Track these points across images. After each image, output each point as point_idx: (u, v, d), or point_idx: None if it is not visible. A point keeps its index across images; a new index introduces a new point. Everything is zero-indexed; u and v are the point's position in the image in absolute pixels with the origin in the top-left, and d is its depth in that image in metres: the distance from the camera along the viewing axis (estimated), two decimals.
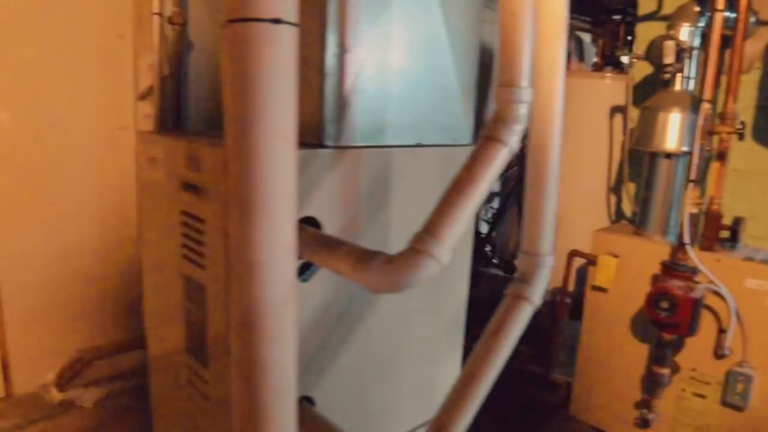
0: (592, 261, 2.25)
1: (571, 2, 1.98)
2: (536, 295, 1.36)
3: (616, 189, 2.80)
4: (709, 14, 1.98)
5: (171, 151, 1.35)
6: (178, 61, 1.58)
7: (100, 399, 2.49)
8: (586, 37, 3.46)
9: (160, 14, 1.54)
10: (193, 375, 1.40)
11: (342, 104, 1.34)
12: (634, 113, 2.28)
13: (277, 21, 0.92)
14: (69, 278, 2.64)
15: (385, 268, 1.08)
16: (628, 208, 2.66)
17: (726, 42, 1.93)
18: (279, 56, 0.94)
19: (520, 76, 1.17)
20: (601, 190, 2.91)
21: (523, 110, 1.18)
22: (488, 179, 1.13)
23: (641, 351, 2.17)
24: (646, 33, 2.38)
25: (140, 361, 2.62)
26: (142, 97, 1.83)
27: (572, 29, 3.29)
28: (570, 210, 2.91)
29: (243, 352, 1.04)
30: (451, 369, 1.91)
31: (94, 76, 2.58)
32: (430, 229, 1.08)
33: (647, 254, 2.11)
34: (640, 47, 2.37)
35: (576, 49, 3.37)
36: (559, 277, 2.92)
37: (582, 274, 2.56)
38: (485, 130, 1.18)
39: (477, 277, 3.32)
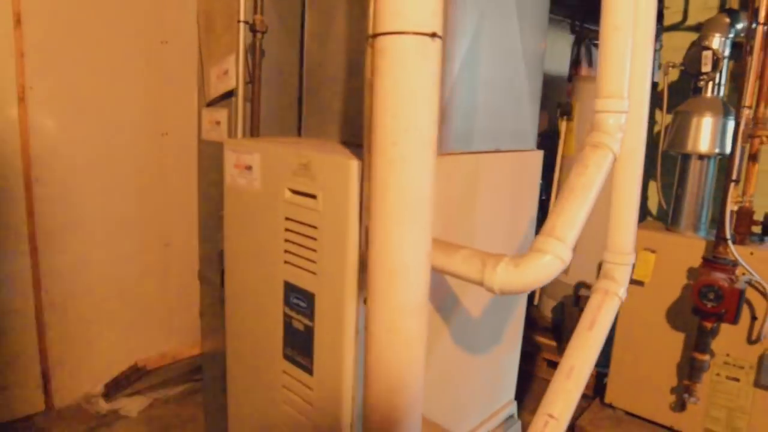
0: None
1: (585, 11, 2.03)
2: (622, 290, 1.45)
3: None
4: (740, 25, 2.12)
5: (273, 158, 1.38)
6: (258, 68, 1.60)
7: (145, 408, 2.49)
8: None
9: (245, 22, 1.56)
10: (293, 381, 1.43)
11: (441, 113, 1.40)
12: (661, 117, 2.42)
13: (434, 35, 0.98)
14: (109, 288, 2.62)
15: (513, 270, 1.15)
16: (653, 206, 2.80)
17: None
18: (433, 69, 1.00)
19: (622, 88, 1.26)
20: (605, 195, 3.04)
21: (624, 119, 1.27)
22: (600, 183, 1.21)
23: (677, 339, 2.30)
24: (671, 42, 2.52)
25: (184, 369, 2.62)
26: (211, 103, 1.84)
27: (584, 37, 3.43)
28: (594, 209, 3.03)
29: (383, 355, 1.09)
30: (512, 364, 1.99)
31: (138, 82, 2.59)
32: (552, 232, 1.15)
33: (682, 249, 2.24)
34: (667, 55, 2.51)
35: (586, 56, 3.51)
36: (586, 271, 3.05)
37: None
38: (592, 138, 1.26)
39: None
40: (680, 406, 2.31)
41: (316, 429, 1.39)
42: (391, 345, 1.09)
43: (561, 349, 3.18)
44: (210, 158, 1.96)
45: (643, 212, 2.87)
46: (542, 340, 3.43)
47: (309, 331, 1.36)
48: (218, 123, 1.85)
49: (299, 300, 1.38)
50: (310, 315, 1.35)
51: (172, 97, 2.73)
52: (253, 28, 1.58)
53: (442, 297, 1.53)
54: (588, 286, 3.19)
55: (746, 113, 1.88)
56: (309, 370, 1.38)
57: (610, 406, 2.54)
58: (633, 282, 2.38)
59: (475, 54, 1.46)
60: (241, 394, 1.67)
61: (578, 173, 1.22)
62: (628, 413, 2.50)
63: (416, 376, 1.12)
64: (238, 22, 1.57)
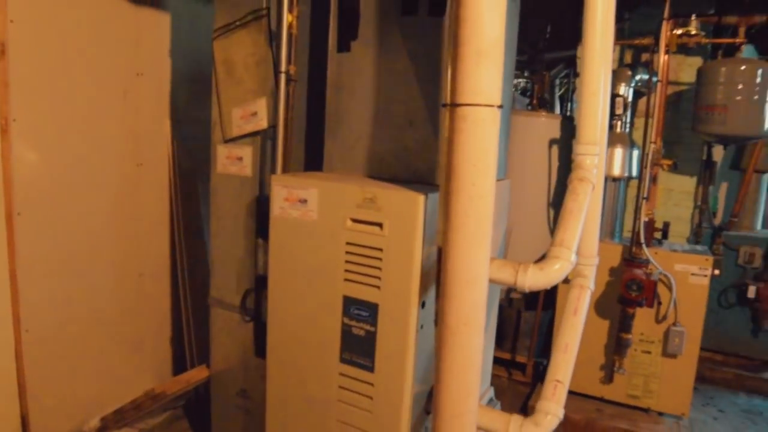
0: None
1: (516, 59, 2.60)
2: (591, 284, 1.93)
3: (555, 205, 3.54)
4: (638, 76, 2.78)
5: (333, 192, 1.66)
6: (292, 111, 1.86)
7: None
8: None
9: (285, 72, 1.81)
10: (351, 380, 1.70)
11: None
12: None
13: (500, 107, 1.36)
14: (89, 321, 2.60)
15: (539, 272, 1.55)
16: None
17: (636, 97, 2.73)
18: (498, 129, 1.37)
19: (596, 138, 1.73)
20: (543, 206, 3.64)
21: (597, 160, 1.74)
22: (587, 206, 1.66)
23: (603, 326, 2.88)
24: None
25: (167, 397, 2.68)
26: (228, 141, 2.04)
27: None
28: (519, 222, 3.60)
29: (459, 344, 1.43)
30: (491, 354, 2.40)
31: (115, 113, 2.64)
32: (562, 243, 1.57)
33: (604, 253, 2.81)
34: None
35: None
36: None
37: None
38: (577, 173, 1.71)
39: None
40: (608, 378, 2.89)
41: (377, 419, 1.67)
42: (465, 335, 1.42)
43: (500, 345, 3.66)
44: (227, 190, 2.14)
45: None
46: None
47: (371, 335, 1.64)
48: (240, 158, 2.05)
49: (360, 310, 1.65)
50: (373, 322, 1.63)
51: (146, 129, 2.81)
52: (288, 77, 1.84)
53: None
54: (516, 291, 3.73)
55: (652, 147, 2.50)
56: (370, 368, 1.66)
57: None
58: (565, 281, 2.93)
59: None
60: (286, 402, 1.87)
61: (572, 200, 1.65)
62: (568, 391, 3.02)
63: (479, 357, 1.47)
64: (279, 72, 1.81)
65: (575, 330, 1.82)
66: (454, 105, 1.35)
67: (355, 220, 1.63)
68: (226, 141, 2.08)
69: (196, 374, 2.29)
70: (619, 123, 2.77)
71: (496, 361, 3.44)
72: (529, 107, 3.72)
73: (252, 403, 2.19)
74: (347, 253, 1.65)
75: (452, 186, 1.37)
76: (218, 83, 2.06)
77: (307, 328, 1.78)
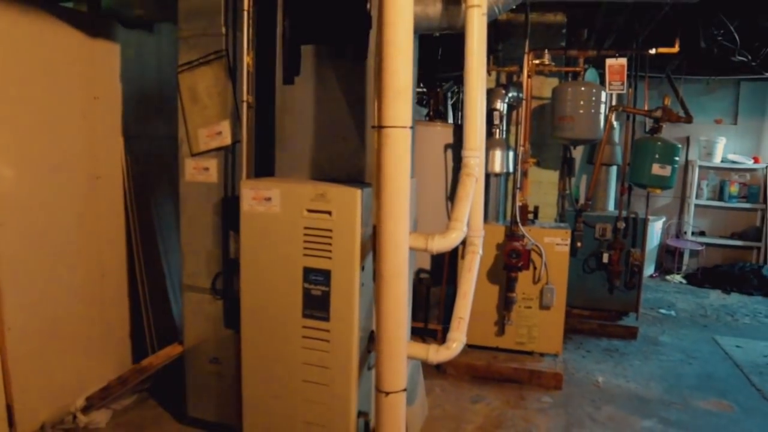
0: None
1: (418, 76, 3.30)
2: (480, 250, 2.65)
3: (451, 197, 4.31)
4: (511, 94, 3.59)
5: (291, 191, 2.22)
6: (251, 131, 2.41)
7: (110, 418, 2.88)
8: None
9: (246, 102, 2.35)
10: (311, 330, 2.27)
11: None
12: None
13: (411, 127, 2.01)
14: (66, 318, 2.93)
15: (442, 239, 2.22)
16: None
17: (510, 109, 3.55)
18: (408, 145, 2.02)
19: (477, 144, 2.44)
20: (442, 199, 4.40)
21: (479, 160, 2.46)
22: (473, 194, 2.37)
23: (494, 289, 3.66)
24: None
25: (153, 368, 3.08)
26: (194, 155, 2.53)
27: None
28: (424, 213, 4.32)
29: (391, 290, 2.06)
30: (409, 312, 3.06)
31: (76, 132, 3.00)
32: (456, 218, 2.26)
33: (492, 232, 3.61)
34: None
35: None
36: (420, 262, 4.30)
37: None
38: (465, 170, 2.41)
39: None
40: (501, 331, 3.67)
41: (334, 356, 2.26)
42: (395, 282, 2.05)
43: (415, 317, 4.34)
44: (196, 195, 2.62)
45: None
46: None
47: (326, 294, 2.24)
48: (206, 168, 2.55)
49: (317, 276, 2.24)
50: (327, 284, 2.23)
51: (103, 145, 3.18)
52: (248, 104, 2.38)
53: None
54: (425, 271, 4.41)
55: (521, 149, 3.30)
56: (326, 319, 2.25)
57: None
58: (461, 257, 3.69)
59: None
60: (259, 356, 2.40)
61: (462, 189, 2.35)
62: (469, 345, 3.78)
63: (406, 300, 2.11)
64: (242, 101, 2.35)
65: (470, 282, 2.53)
66: (381, 127, 1.99)
67: (310, 210, 2.22)
68: (194, 155, 2.56)
69: (173, 350, 2.73)
70: (497, 131, 3.56)
71: (413, 330, 4.12)
72: (427, 118, 4.47)
73: (223, 368, 2.68)
74: (305, 234, 2.23)
75: (382, 182, 2.00)
76: (184, 108, 2.55)
77: (275, 294, 2.33)
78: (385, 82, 1.92)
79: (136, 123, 3.36)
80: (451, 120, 5.77)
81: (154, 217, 3.49)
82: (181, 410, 2.89)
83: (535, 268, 3.55)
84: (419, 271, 4.54)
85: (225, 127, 2.45)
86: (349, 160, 2.47)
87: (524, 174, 3.45)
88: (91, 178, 3.10)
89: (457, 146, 4.08)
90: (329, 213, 2.19)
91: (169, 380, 3.03)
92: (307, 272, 2.26)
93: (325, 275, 2.23)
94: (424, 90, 4.71)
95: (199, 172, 2.55)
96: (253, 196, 2.30)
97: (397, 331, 2.09)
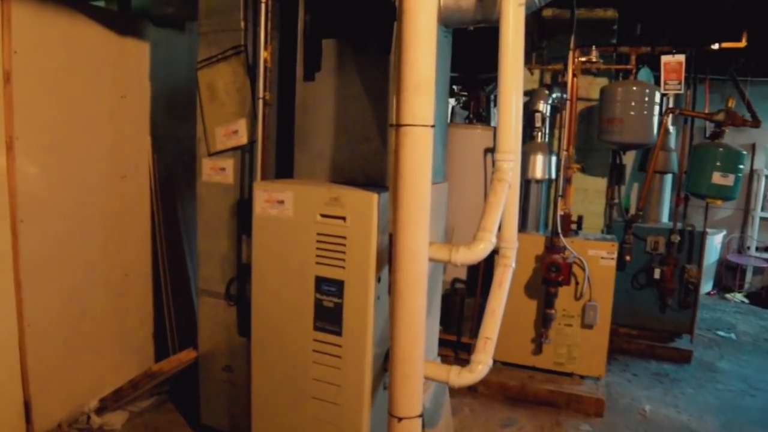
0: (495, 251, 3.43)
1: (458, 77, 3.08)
2: (513, 263, 2.42)
3: None
4: (555, 95, 3.33)
5: (305, 194, 2.08)
6: (268, 130, 2.28)
7: (126, 421, 2.83)
8: (452, 102, 4.78)
9: (262, 98, 2.23)
10: (323, 344, 2.11)
11: None
12: None
13: (432, 126, 1.82)
14: (83, 317, 2.90)
15: (468, 251, 2.02)
16: None
17: (554, 110, 3.29)
18: (431, 146, 1.83)
19: (512, 146, 2.22)
20: (481, 206, 4.15)
21: (513, 164, 2.24)
22: (504, 200, 2.15)
23: (531, 304, 3.41)
24: None
25: (163, 375, 3.02)
26: (212, 154, 2.43)
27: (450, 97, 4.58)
28: (460, 222, 4.11)
29: (407, 304, 1.88)
30: (437, 328, 2.86)
31: (102, 131, 2.97)
32: (485, 228, 2.05)
33: (531, 243, 3.36)
34: None
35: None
36: (457, 272, 4.08)
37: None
38: (497, 175, 2.20)
39: None
40: (538, 349, 3.41)
41: (345, 374, 2.10)
42: (411, 296, 1.87)
43: (447, 329, 4.13)
44: (213, 196, 2.52)
45: None
46: None
47: (338, 306, 2.07)
48: (223, 169, 2.45)
49: (329, 287, 2.08)
50: (340, 295, 2.06)
51: (129, 144, 3.15)
52: (265, 102, 2.26)
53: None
54: (461, 281, 4.19)
55: (564, 154, 3.04)
56: (339, 333, 2.08)
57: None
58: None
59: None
60: (269, 367, 2.27)
61: (493, 195, 2.14)
62: (503, 363, 3.54)
63: (423, 315, 1.92)
64: (258, 98, 2.23)
65: (501, 298, 2.30)
66: (399, 125, 1.81)
67: (324, 215, 2.07)
68: (211, 155, 2.46)
69: (186, 355, 2.64)
70: (539, 134, 3.31)
71: (445, 342, 3.91)
72: (467, 121, 4.25)
73: (236, 377, 2.56)
74: (318, 241, 2.08)
75: (399, 186, 1.82)
76: (202, 106, 2.45)
77: (285, 304, 2.19)
78: (404, 74, 1.75)
79: (164, 123, 3.32)
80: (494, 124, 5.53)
81: (179, 217, 3.43)
82: (195, 417, 2.80)
83: (577, 283, 3.28)
84: (454, 280, 4.32)
85: (242, 125, 2.34)
86: (371, 162, 2.30)
87: (567, 181, 3.19)
88: (117, 177, 3.07)
89: None
90: (343, 219, 2.03)
91: (188, 384, 2.95)
92: (320, 282, 2.10)
93: (338, 286, 2.07)
94: (465, 92, 4.49)
95: (216, 172, 2.45)
96: (266, 198, 2.17)
97: (413, 349, 1.90)
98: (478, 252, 2.02)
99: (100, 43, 2.92)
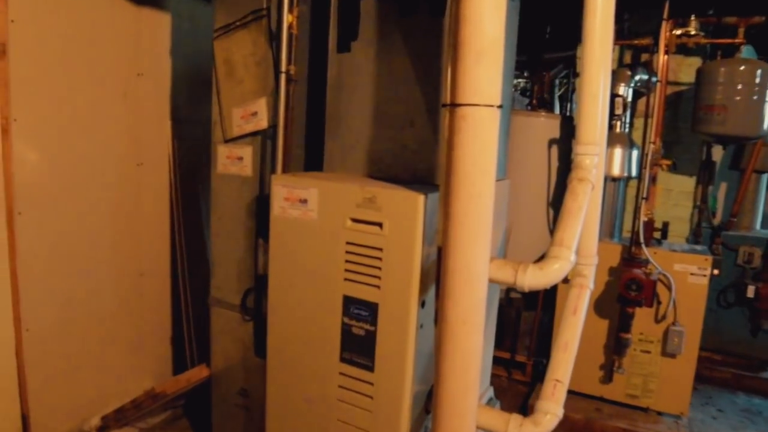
0: None
1: (516, 60, 2.61)
2: (591, 283, 1.93)
3: (555, 205, 3.55)
4: (638, 77, 2.78)
5: (333, 192, 1.66)
6: (291, 112, 1.87)
7: None
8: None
9: (285, 72, 1.81)
10: (351, 380, 1.70)
11: None
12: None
13: (499, 107, 1.36)
14: (89, 321, 2.60)
15: (539, 272, 1.55)
16: None
17: (636, 96, 2.73)
18: (497, 129, 1.37)
19: (596, 138, 1.73)
20: (542, 206, 3.64)
21: (597, 160, 1.74)
22: (586, 206, 1.66)
23: (603, 325, 2.89)
24: None
25: (167, 397, 2.69)
26: (228, 141, 2.05)
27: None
28: (518, 222, 3.61)
29: (458, 342, 1.43)
30: (490, 354, 2.41)
31: (115, 113, 2.64)
32: (562, 243, 1.58)
33: (603, 253, 2.82)
34: None
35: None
36: None
37: None
38: (577, 173, 1.71)
39: None
40: (608, 378, 2.89)
41: (378, 418, 1.68)
42: (464, 329, 1.42)
43: (499, 345, 3.66)
44: (228, 190, 2.14)
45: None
46: None
47: (371, 335, 1.65)
48: (240, 158, 2.06)
49: (360, 310, 1.66)
50: (373, 321, 1.64)
51: (147, 129, 2.81)
52: (289, 77, 1.84)
53: None
54: (516, 291, 3.71)
55: (652, 147, 2.50)
56: (370, 368, 1.66)
57: None
58: (565, 281, 2.94)
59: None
60: (284, 403, 1.88)
61: (572, 200, 1.66)
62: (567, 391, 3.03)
63: (479, 357, 1.47)
64: (280, 72, 1.82)
65: (575, 329, 1.82)
66: (454, 105, 1.35)
67: (355, 220, 1.64)
68: (227, 141, 2.08)
69: (197, 373, 2.29)
70: (618, 123, 2.77)
71: (496, 360, 3.44)
72: (529, 107, 3.72)
73: (252, 402, 2.19)
74: (347, 252, 1.66)
75: (452, 185, 1.37)
76: (219, 83, 2.07)
77: (307, 327, 1.78)
78: (463, 37, 1.29)
79: (186, 105, 2.98)
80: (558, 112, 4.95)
81: (202, 210, 3.10)
82: None
83: (659, 303, 2.73)
84: (509, 289, 3.83)
85: (261, 106, 1.94)
86: (417, 153, 1.86)
87: (653, 180, 2.64)
88: (132, 165, 2.74)
89: (564, 141, 3.32)
90: (380, 225, 1.59)
91: (204, 399, 2.61)
92: (348, 303, 1.68)
93: (371, 309, 1.64)
94: (527, 76, 3.95)
95: (232, 162, 2.06)
96: (286, 195, 1.76)
97: (464, 399, 1.46)
98: (553, 273, 1.55)
99: (113, 14, 2.58)
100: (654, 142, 2.50)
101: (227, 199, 2.16)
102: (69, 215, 2.49)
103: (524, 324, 3.52)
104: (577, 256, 1.94)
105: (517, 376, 3.48)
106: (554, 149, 3.49)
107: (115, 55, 2.60)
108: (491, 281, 1.60)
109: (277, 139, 1.88)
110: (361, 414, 1.70)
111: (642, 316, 2.78)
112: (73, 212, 2.50)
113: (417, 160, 1.85)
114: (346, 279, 1.67)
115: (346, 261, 1.66)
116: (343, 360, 1.72)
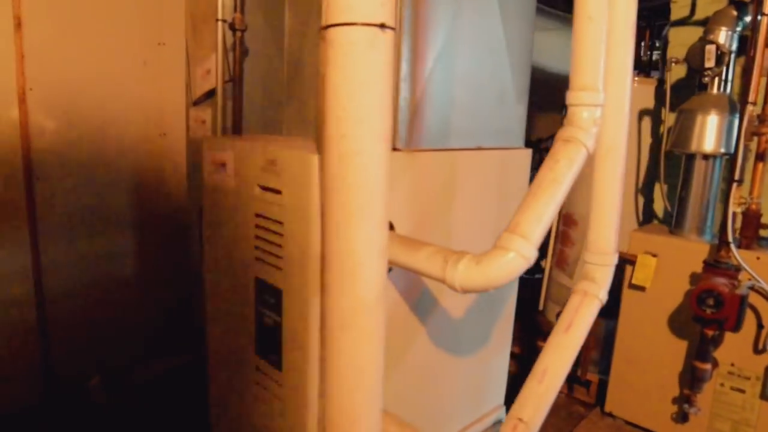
0: (630, 260, 2.29)
1: None
2: (603, 292, 1.40)
3: (644, 190, 2.84)
4: (748, 18, 2.03)
5: (244, 155, 1.38)
6: (239, 66, 1.61)
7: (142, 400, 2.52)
8: None
9: (224, 20, 1.56)
10: (264, 377, 1.42)
11: (414, 108, 1.37)
12: (668, 115, 2.34)
13: (382, 26, 0.96)
14: (109, 283, 2.65)
15: (474, 267, 1.12)
16: (659, 209, 2.71)
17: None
18: (383, 58, 0.97)
19: (596, 80, 1.21)
20: (630, 192, 2.95)
21: (598, 113, 1.22)
22: (570, 180, 1.17)
23: (679, 347, 2.21)
24: (679, 37, 2.43)
25: (179, 363, 2.64)
26: (197, 102, 1.85)
27: None
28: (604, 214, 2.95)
29: (340, 352, 1.07)
30: (500, 368, 1.94)
31: (136, 83, 2.61)
32: (516, 229, 1.11)
33: (686, 253, 2.15)
34: (674, 51, 2.42)
35: None
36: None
37: (615, 273, 2.60)
38: (563, 133, 1.22)
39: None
40: (682, 417, 2.21)
41: (288, 424, 1.38)
42: (346, 341, 1.06)
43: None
44: (196, 157, 1.98)
45: (649, 215, 2.78)
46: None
47: (277, 327, 1.35)
48: (204, 122, 1.86)
49: (269, 296, 1.37)
50: (279, 311, 1.34)
51: (169, 99, 2.74)
52: (232, 27, 1.58)
53: (419, 296, 1.50)
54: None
55: (750, 110, 1.79)
56: (278, 366, 1.37)
57: (610, 415, 2.46)
58: (633, 287, 2.30)
59: (451, 48, 1.43)
60: (221, 395, 1.67)
61: (548, 168, 1.18)
62: (628, 422, 2.41)
63: (373, 373, 1.10)
64: (216, 20, 1.57)
65: (563, 352, 1.34)
66: (325, 28, 0.98)
67: (262, 187, 1.34)
68: (194, 103, 1.90)
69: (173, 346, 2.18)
70: (716, 81, 2.05)
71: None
72: None
73: None
74: (257, 226, 1.37)
75: (322, 140, 1.01)
76: (186, 38, 1.89)
77: (231, 312, 1.54)
78: None
79: None
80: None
81: None
82: None
83: (760, 327, 2.00)
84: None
85: (212, 62, 1.71)
86: None
87: (760, 157, 1.90)
88: (154, 134, 2.71)
89: (657, 109, 2.63)
90: (278, 192, 1.28)
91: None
92: (260, 287, 1.40)
93: (277, 296, 1.34)
94: None
95: (199, 125, 1.88)
96: (211, 159, 1.52)
97: (352, 425, 1.10)
98: (494, 271, 1.10)
99: None
100: (755, 103, 1.78)
101: (197, 167, 1.99)
102: (88, 183, 2.52)
103: (597, 333, 2.90)
104: (586, 252, 1.44)
105: (579, 394, 2.88)
106: (646, 120, 2.78)
107: (134, 25, 2.56)
108: (421, 274, 1.21)
109: (216, 98, 1.64)
110: (276, 421, 1.42)
111: (736, 342, 2.06)
112: (93, 179, 2.54)
113: None
114: (257, 258, 1.39)
115: (256, 237, 1.38)
116: (258, 353, 1.44)
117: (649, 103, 2.72)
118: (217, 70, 1.63)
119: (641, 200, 2.89)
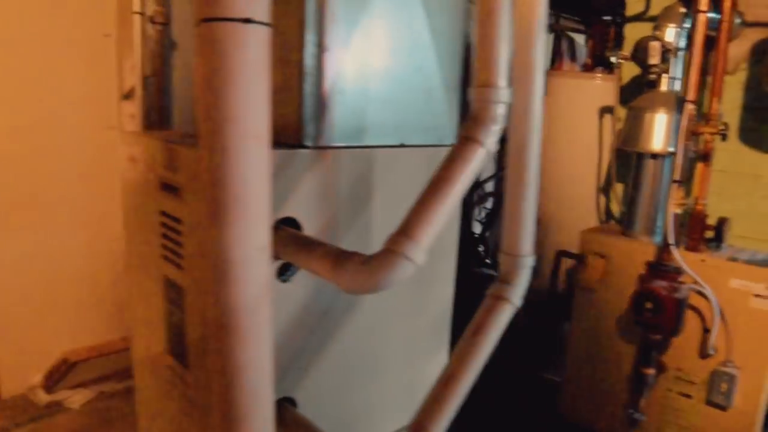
0: (580, 261, 2.25)
1: (560, 3, 1.92)
2: (517, 296, 1.36)
3: (605, 189, 2.80)
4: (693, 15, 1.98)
5: (150, 151, 1.35)
6: (161, 60, 1.58)
7: (89, 401, 2.50)
8: (579, 38, 3.45)
9: (141, 13, 1.53)
10: (176, 377, 1.39)
11: (321, 104, 1.34)
12: (622, 113, 2.29)
13: (247, 21, 0.92)
14: (57, 280, 2.63)
15: (360, 269, 1.08)
16: (617, 209, 2.67)
17: (711, 43, 1.94)
18: (250, 56, 0.94)
19: (497, 76, 1.17)
20: (591, 191, 2.91)
21: (500, 110, 1.18)
22: (465, 179, 1.13)
23: (629, 351, 2.17)
24: (633, 34, 2.39)
25: (129, 362, 2.62)
26: (126, 96, 1.83)
27: (564, 30, 3.30)
28: (560, 210, 2.92)
29: (220, 353, 1.04)
30: (435, 370, 1.90)
31: (80, 75, 2.59)
32: (405, 230, 1.08)
33: (634, 255, 2.11)
34: (627, 48, 2.38)
35: (568, 50, 3.37)
36: (546, 276, 2.93)
37: (572, 275, 2.56)
38: (462, 130, 1.18)
39: (470, 277, 3.32)
40: (631, 422, 2.17)
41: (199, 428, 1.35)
42: (224, 341, 1.03)
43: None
44: None
45: (610, 214, 2.74)
46: None
47: (182, 324, 1.32)
48: (133, 116, 1.83)
49: (175, 295, 1.34)
50: (183, 309, 1.31)
51: (117, 91, 2.73)
52: (152, 20, 1.55)
53: (334, 295, 1.46)
54: (570, 255, 2.83)
55: (689, 108, 1.75)
56: (184, 363, 1.34)
57: (562, 418, 2.42)
58: (582, 288, 2.26)
59: (366, 42, 1.39)
60: (147, 394, 1.64)
61: (443, 167, 1.14)
62: (579, 427, 2.37)
63: (252, 374, 1.07)
64: (133, 13, 1.54)
65: (471, 357, 1.30)
66: (197, 24, 0.95)
67: (164, 184, 1.31)
68: (124, 97, 1.87)
69: (118, 344, 2.16)
70: (664, 79, 2.00)
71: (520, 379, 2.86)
72: (582, 68, 2.98)
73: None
74: (162, 224, 1.34)
75: (198, 136, 0.98)
76: (116, 33, 1.86)
77: (149, 308, 1.51)
78: None
79: None
80: None
81: None
82: None
83: (706, 331, 1.95)
84: (559, 254, 3.09)
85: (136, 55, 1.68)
86: (293, 102, 1.45)
87: (702, 157, 1.86)
88: (102, 128, 2.69)
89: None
90: (176, 189, 1.25)
91: None
92: (168, 286, 1.37)
93: (180, 295, 1.31)
94: (583, 28, 3.16)
95: (128, 120, 1.85)
96: (127, 155, 1.50)
97: None
98: (380, 273, 1.07)
99: None
100: (694, 101, 1.73)
101: None
102: (32, 178, 2.50)
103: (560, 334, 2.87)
104: (500, 252, 1.40)
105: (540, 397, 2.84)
106: (607, 118, 2.74)
107: (76, 15, 2.53)
108: (314, 273, 1.18)
109: (135, 93, 1.61)
110: (186, 419, 1.39)
111: (683, 347, 2.02)
112: (37, 175, 2.52)
113: (290, 111, 1.45)
114: (163, 256, 1.36)
115: (162, 235, 1.35)
116: (168, 351, 1.41)
117: (612, 100, 2.68)
118: (135, 65, 1.60)
119: (603, 199, 2.85)
